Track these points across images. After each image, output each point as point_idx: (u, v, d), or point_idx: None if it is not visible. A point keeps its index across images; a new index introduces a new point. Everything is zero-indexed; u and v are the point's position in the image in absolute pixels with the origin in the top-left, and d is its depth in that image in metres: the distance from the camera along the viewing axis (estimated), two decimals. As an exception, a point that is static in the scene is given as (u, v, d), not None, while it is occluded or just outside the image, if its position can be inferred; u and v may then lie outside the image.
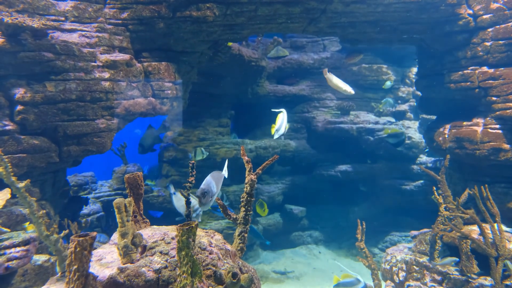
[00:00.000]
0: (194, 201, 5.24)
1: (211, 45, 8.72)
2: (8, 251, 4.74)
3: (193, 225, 2.83)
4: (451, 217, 6.63)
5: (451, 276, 6.21)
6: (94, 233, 2.86)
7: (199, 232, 3.84)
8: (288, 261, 11.21)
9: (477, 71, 7.64)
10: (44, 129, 6.30)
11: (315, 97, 13.40)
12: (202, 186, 3.62)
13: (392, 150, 11.64)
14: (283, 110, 6.57)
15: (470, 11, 7.58)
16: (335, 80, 7.04)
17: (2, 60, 5.91)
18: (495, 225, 5.94)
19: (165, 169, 11.96)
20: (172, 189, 7.69)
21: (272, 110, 7.50)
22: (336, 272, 10.18)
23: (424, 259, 6.79)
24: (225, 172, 4.37)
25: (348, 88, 7.13)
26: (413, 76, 13.34)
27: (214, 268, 3.33)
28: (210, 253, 3.46)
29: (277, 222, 12.07)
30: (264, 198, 11.83)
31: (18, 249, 4.83)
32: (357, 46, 11.17)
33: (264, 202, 10.59)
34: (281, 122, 6.34)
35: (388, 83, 12.26)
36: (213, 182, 3.79)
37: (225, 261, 3.52)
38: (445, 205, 6.64)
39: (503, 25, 7.28)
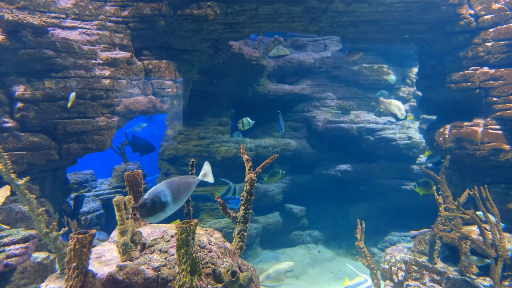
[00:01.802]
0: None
1: (212, 43, 8.71)
2: (7, 248, 4.74)
3: (193, 223, 2.83)
4: (451, 217, 6.63)
5: (450, 276, 6.21)
6: (94, 231, 2.86)
7: (199, 230, 3.84)
8: (288, 260, 11.21)
9: (478, 72, 7.62)
10: (44, 126, 6.30)
11: (316, 96, 13.40)
12: (145, 195, 2.92)
13: (392, 150, 11.64)
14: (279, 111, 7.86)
15: (472, 11, 7.56)
16: (395, 102, 7.29)
17: (2, 57, 5.90)
18: (493, 220, 5.94)
19: (164, 168, 11.96)
20: None
21: (278, 111, 8.42)
22: (336, 271, 10.20)
23: (423, 259, 6.80)
24: (203, 177, 3.51)
25: (400, 111, 7.26)
26: (414, 76, 13.33)
27: (213, 267, 3.32)
28: (209, 252, 3.46)
29: (276, 221, 12.08)
30: (264, 197, 11.82)
31: (17, 246, 4.83)
32: (358, 45, 11.18)
33: (279, 172, 10.11)
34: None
35: (392, 77, 12.16)
36: (167, 191, 2.99)
37: (225, 260, 3.52)
38: (444, 205, 6.64)
39: (504, 26, 7.27)
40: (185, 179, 3.28)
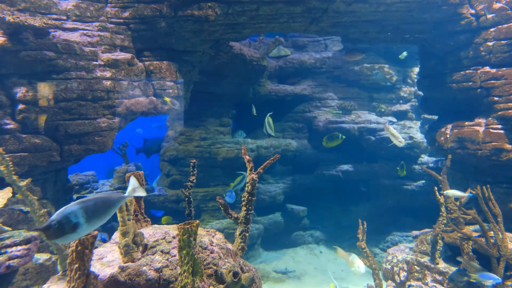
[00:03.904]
0: None
1: (213, 44, 8.72)
2: (9, 249, 4.74)
3: (194, 225, 2.83)
4: (453, 217, 6.61)
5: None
6: (95, 232, 2.86)
7: (200, 231, 3.84)
8: (289, 260, 11.20)
9: (479, 71, 7.61)
10: (46, 128, 6.30)
11: (317, 96, 13.38)
12: (53, 216, 2.65)
13: (393, 150, 11.61)
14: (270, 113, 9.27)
15: (473, 11, 7.55)
16: (392, 130, 8.22)
17: (3, 59, 5.92)
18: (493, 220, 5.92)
19: (166, 169, 11.96)
20: None
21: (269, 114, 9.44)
22: (337, 271, 10.19)
23: (425, 259, 6.78)
24: (131, 192, 3.20)
25: (397, 140, 8.06)
26: (415, 76, 13.32)
27: (215, 267, 3.32)
28: (211, 252, 3.46)
29: (278, 222, 12.06)
30: (265, 198, 11.82)
31: (19, 247, 4.83)
32: (359, 45, 11.18)
33: (338, 136, 9.46)
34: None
35: (404, 53, 11.96)
36: (78, 211, 2.68)
37: (226, 260, 3.52)
38: (446, 205, 6.62)
39: (505, 25, 7.26)
40: (106, 197, 3.03)
